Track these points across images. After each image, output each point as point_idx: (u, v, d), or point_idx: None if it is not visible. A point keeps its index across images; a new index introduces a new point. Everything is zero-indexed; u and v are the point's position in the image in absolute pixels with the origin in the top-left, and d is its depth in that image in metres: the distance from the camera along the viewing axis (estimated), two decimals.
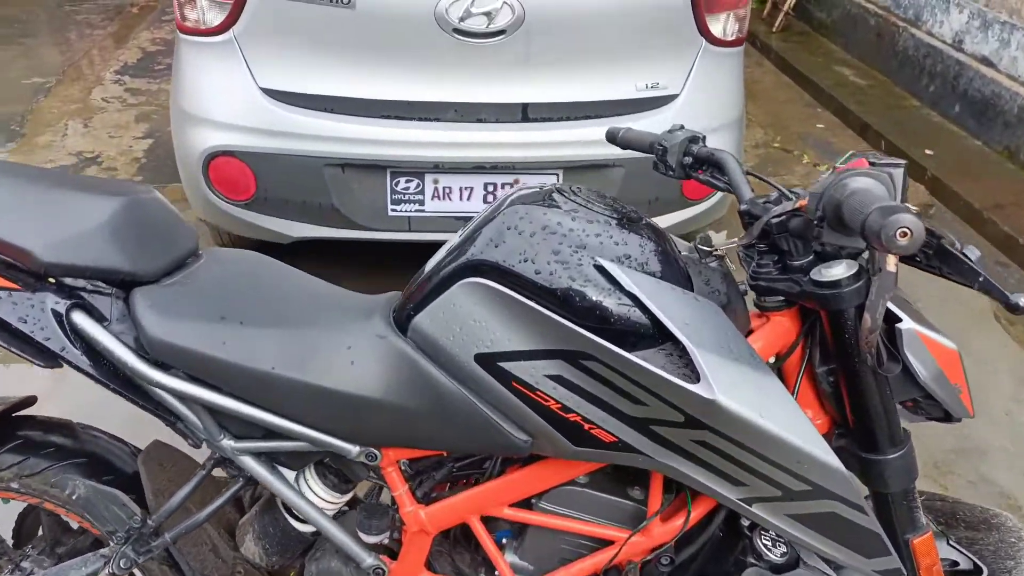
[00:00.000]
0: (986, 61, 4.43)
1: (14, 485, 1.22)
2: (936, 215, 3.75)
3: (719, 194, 2.40)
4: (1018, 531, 1.21)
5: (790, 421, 0.95)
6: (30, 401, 1.31)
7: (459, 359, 1.04)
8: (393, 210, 2.32)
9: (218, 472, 1.23)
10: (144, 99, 4.30)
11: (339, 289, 1.26)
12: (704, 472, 1.00)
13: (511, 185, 2.29)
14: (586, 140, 2.22)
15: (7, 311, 1.05)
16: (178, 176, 2.43)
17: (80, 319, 1.07)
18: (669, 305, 0.97)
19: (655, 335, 0.98)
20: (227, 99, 2.22)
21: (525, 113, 2.23)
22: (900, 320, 1.04)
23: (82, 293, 1.09)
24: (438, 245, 1.19)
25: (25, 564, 1.29)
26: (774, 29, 6.03)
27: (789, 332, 1.10)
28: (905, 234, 0.77)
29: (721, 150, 1.18)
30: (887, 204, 0.79)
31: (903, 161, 0.89)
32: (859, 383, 1.04)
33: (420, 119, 2.24)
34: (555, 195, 1.09)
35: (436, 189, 2.29)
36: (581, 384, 1.00)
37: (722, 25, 2.27)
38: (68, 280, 1.09)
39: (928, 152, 4.29)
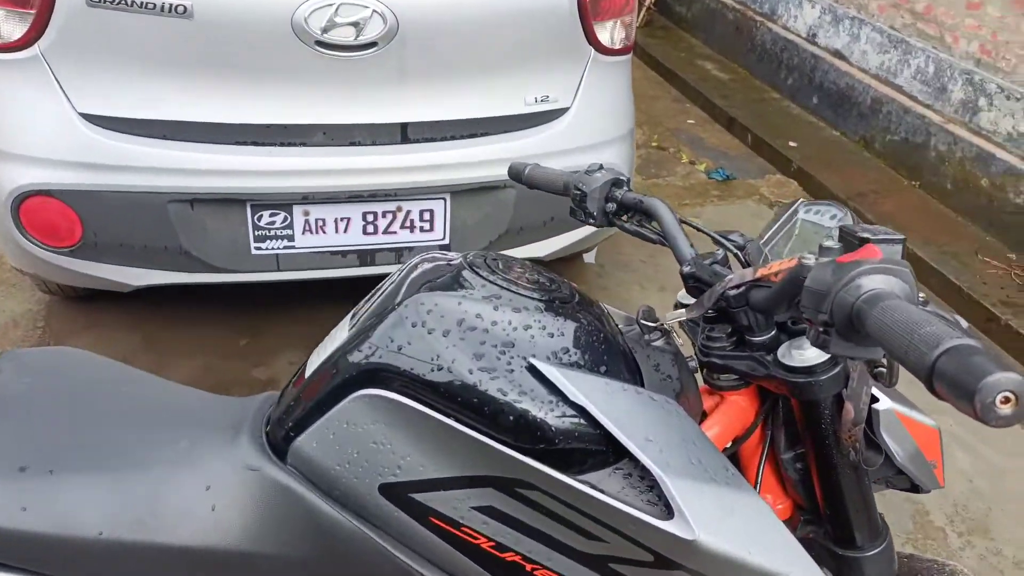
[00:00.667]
0: (839, 54, 4.61)
1: None
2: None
3: None
4: (951, 567, 1.13)
5: (787, 556, 0.79)
6: None
7: (358, 492, 0.81)
8: (257, 248, 2.01)
9: None
10: None
11: (192, 394, 0.98)
12: None
13: (393, 214, 2.04)
14: (474, 161, 2.00)
15: None
16: None
17: None
18: (623, 414, 0.78)
19: (607, 451, 0.79)
20: (38, 128, 1.82)
21: (405, 134, 1.98)
22: (876, 400, 0.91)
23: None
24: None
25: None
26: (637, 24, 6.05)
27: (747, 412, 0.94)
28: (1008, 400, 0.52)
29: (651, 196, 1.01)
30: (963, 343, 0.55)
31: (901, 236, 0.73)
32: (836, 476, 0.89)
33: (283, 144, 1.93)
34: (466, 273, 0.87)
35: (307, 222, 1.99)
36: (519, 516, 0.80)
37: (609, 33, 2.11)
38: None
39: (792, 144, 4.42)
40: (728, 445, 0.94)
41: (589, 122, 2.11)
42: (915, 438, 0.93)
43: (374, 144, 1.97)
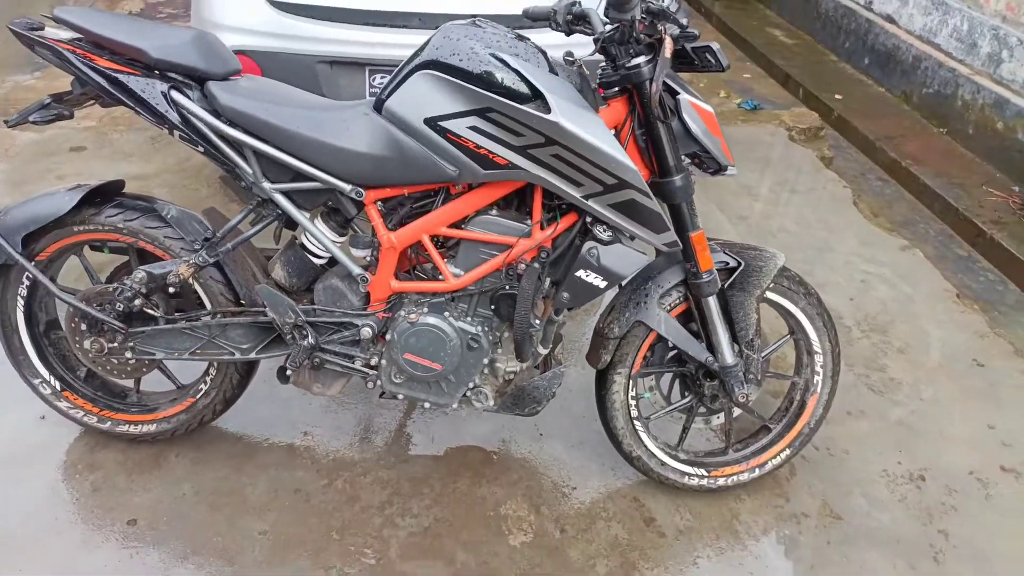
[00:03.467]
0: (889, 19, 5.13)
1: (120, 226, 1.84)
2: (836, 145, 4.44)
3: None
4: (772, 251, 1.89)
5: (602, 135, 1.61)
6: (120, 183, 1.94)
7: (414, 123, 1.69)
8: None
9: None
10: None
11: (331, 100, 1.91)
12: (560, 178, 1.65)
13: None
14: None
15: (133, 85, 1.68)
16: None
17: (177, 96, 1.70)
18: (539, 77, 1.62)
19: (531, 96, 1.63)
20: (242, 9, 2.84)
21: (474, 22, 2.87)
22: (679, 93, 1.71)
23: (177, 82, 1.72)
24: None
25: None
26: None
27: (620, 113, 1.75)
28: None
29: (587, 8, 1.83)
30: None
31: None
32: (656, 132, 1.70)
33: (393, 26, 2.87)
34: (477, 23, 1.74)
35: None
36: (487, 130, 1.65)
37: None
38: (169, 73, 1.72)
39: (837, 97, 4.98)
40: (612, 132, 1.75)
41: None
42: (703, 118, 1.71)
43: None
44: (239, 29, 2.84)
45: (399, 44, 2.88)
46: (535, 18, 1.95)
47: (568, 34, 1.88)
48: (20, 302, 1.93)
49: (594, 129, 1.61)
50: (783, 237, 3.28)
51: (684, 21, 1.61)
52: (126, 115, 3.78)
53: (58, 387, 2.02)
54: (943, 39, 4.63)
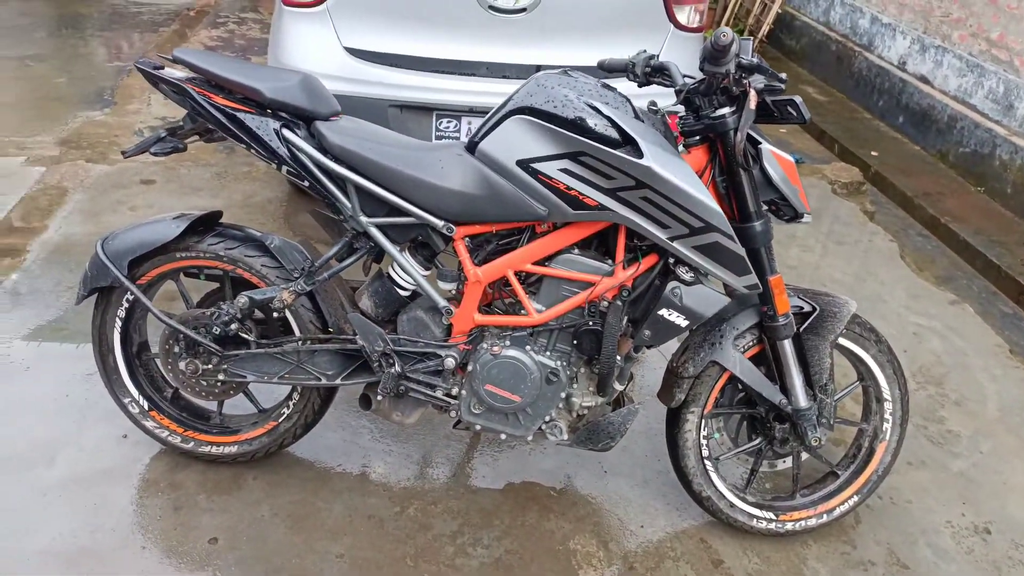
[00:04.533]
0: (924, 79, 5.25)
1: (221, 254, 1.93)
2: (875, 200, 4.51)
3: None
4: (845, 298, 1.94)
5: (691, 180, 1.69)
6: (218, 214, 2.04)
7: (506, 164, 1.78)
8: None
9: None
10: None
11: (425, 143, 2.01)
12: (648, 220, 1.73)
13: None
14: None
15: (249, 122, 1.79)
16: None
17: (288, 133, 1.81)
18: (629, 123, 1.71)
19: (621, 141, 1.71)
20: (320, 54, 2.99)
21: (538, 71, 3.00)
22: (760, 143, 1.79)
23: (288, 120, 1.83)
24: None
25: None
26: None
27: (701, 160, 1.83)
28: (725, 34, 1.57)
29: (666, 60, 1.93)
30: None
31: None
32: (738, 179, 1.78)
33: (460, 74, 3.00)
34: (568, 72, 1.84)
35: (470, 128, 3.03)
36: (578, 172, 1.73)
37: (687, 15, 3.06)
38: (280, 112, 1.82)
39: (873, 153, 5.08)
40: None
41: None
42: (782, 166, 1.79)
43: (517, 77, 3.00)
44: (316, 74, 2.96)
45: (465, 90, 3.01)
46: (610, 70, 2.05)
47: (643, 85, 1.98)
48: (118, 323, 2.01)
49: (683, 174, 1.69)
50: (834, 288, 3.33)
51: (782, 76, 1.70)
52: (192, 151, 3.93)
53: (146, 406, 2.09)
54: (979, 100, 4.74)
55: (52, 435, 2.21)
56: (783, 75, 1.71)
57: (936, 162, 5.02)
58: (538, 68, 3.02)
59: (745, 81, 1.71)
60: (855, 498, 2.07)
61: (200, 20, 6.43)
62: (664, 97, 2.04)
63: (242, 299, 1.90)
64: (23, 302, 2.79)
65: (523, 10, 2.92)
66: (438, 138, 3.07)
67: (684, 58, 3.09)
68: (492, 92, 3.00)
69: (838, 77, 6.13)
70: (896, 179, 4.74)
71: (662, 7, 3.00)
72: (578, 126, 1.72)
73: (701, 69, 1.72)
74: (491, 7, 2.91)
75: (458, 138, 3.07)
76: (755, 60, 1.72)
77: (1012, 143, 4.39)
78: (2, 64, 5.12)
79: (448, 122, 3.05)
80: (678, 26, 3.06)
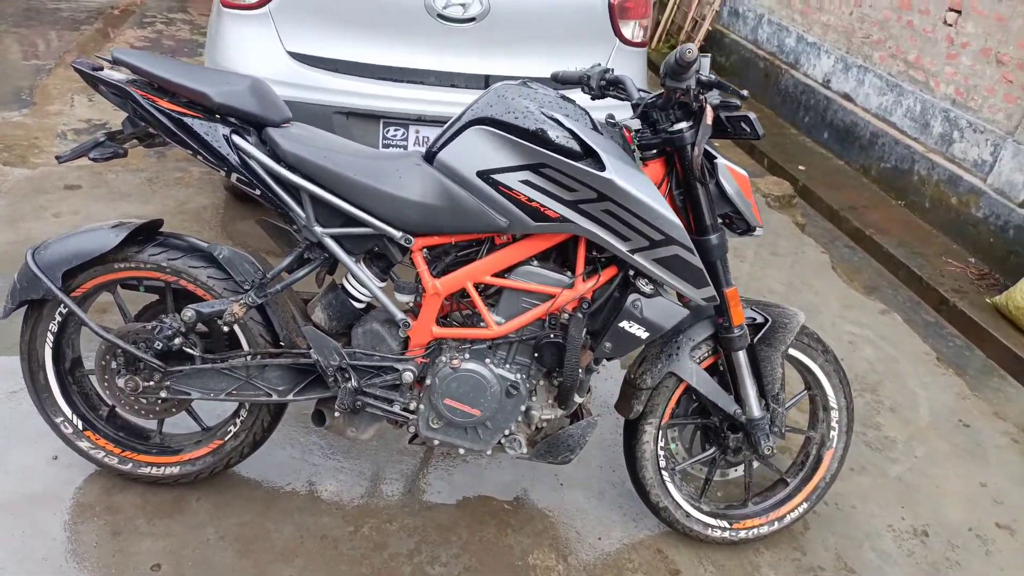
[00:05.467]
0: (847, 97, 5.49)
1: (163, 265, 1.83)
2: (805, 212, 4.68)
3: None
4: (794, 310, 2.00)
5: (650, 193, 1.70)
6: (159, 222, 1.94)
7: (466, 175, 1.75)
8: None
9: None
10: None
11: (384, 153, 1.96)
12: (609, 233, 1.73)
13: None
14: None
15: (197, 128, 1.70)
16: None
17: (238, 140, 1.73)
18: (590, 136, 1.71)
19: (582, 153, 1.71)
20: (259, 58, 2.89)
21: (487, 82, 2.98)
22: (716, 158, 1.82)
23: (237, 126, 1.75)
24: None
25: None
26: None
27: (658, 173, 1.85)
28: (690, 51, 1.59)
29: (621, 74, 1.95)
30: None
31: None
32: (695, 193, 1.80)
33: (408, 82, 2.95)
34: (527, 83, 1.83)
35: (418, 136, 2.99)
36: (540, 184, 1.72)
37: (631, 30, 3.11)
38: (229, 117, 1.75)
39: (801, 168, 5.27)
40: None
41: None
42: (737, 181, 1.83)
43: (466, 87, 2.98)
44: (262, 78, 2.88)
45: (413, 99, 2.97)
46: (564, 82, 2.06)
47: (597, 97, 1.99)
48: (50, 338, 1.89)
49: (644, 187, 1.71)
50: (772, 298, 3.43)
51: (743, 92, 1.74)
52: None
53: (80, 426, 1.97)
54: (898, 118, 4.98)
55: None
56: (744, 92, 1.75)
57: (859, 176, 5.25)
58: (487, 78, 3.01)
59: (702, 97, 1.74)
60: (804, 505, 2.13)
61: (125, 19, 6.16)
62: (618, 110, 2.06)
63: (188, 312, 1.81)
64: None
65: (472, 20, 2.90)
66: (385, 146, 3.01)
67: (629, 72, 3.13)
68: (441, 101, 2.97)
69: (766, 94, 6.35)
70: (823, 193, 4.94)
71: (608, 22, 3.04)
72: (540, 138, 1.71)
73: (663, 84, 1.74)
74: (440, 16, 2.88)
75: (406, 147, 3.02)
76: (713, 77, 1.75)
77: (929, 159, 4.63)
78: None
79: (395, 130, 3.00)
80: (623, 40, 3.10)
